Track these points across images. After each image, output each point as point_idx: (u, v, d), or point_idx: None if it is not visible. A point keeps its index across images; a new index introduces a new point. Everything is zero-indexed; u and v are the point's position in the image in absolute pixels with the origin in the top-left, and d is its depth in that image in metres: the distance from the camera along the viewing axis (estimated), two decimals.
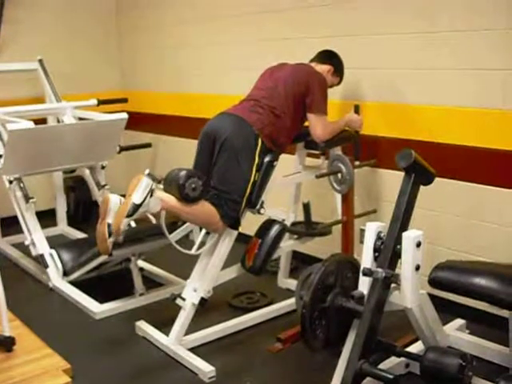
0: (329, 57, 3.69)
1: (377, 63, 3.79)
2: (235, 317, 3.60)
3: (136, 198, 2.98)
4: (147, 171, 3.18)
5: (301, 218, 3.77)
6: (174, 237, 3.52)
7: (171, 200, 3.08)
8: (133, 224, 4.16)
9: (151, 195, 3.01)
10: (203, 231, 3.46)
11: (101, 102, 5.05)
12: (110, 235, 3.10)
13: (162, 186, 3.16)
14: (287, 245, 3.75)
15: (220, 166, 3.23)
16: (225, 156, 3.22)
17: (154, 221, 3.11)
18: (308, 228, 3.60)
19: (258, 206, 3.32)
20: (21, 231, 4.42)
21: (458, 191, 3.48)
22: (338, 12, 3.96)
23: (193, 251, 3.35)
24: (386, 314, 2.74)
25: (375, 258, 2.76)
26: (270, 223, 3.39)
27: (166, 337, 3.34)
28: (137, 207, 2.98)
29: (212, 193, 3.23)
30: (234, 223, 3.27)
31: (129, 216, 2.98)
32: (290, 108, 3.40)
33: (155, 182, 3.15)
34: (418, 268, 2.62)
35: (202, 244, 3.41)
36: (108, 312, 3.80)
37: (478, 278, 2.59)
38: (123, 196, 3.21)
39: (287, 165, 3.69)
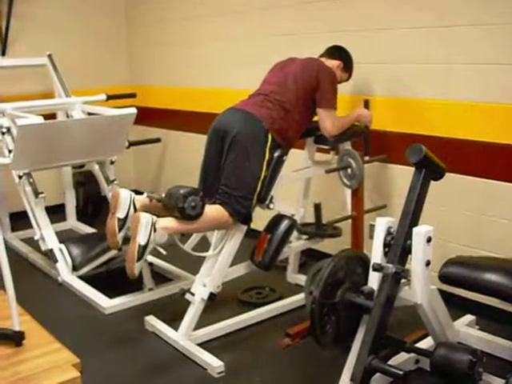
0: (338, 52, 3.68)
1: (387, 58, 3.78)
2: (244, 312, 3.60)
3: (141, 239, 2.96)
4: (145, 195, 3.20)
5: (310, 213, 3.76)
6: (189, 245, 3.52)
7: (175, 224, 3.07)
8: None
9: (155, 230, 3.00)
10: (215, 232, 3.44)
11: (110, 97, 5.05)
12: (119, 230, 3.11)
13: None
14: (297, 245, 3.76)
15: (230, 163, 3.22)
16: (235, 152, 3.21)
17: (164, 252, 3.12)
18: (318, 229, 3.60)
19: (267, 201, 3.32)
20: (30, 226, 4.43)
21: (468, 186, 3.46)
22: (346, 7, 3.94)
23: (210, 252, 3.36)
24: (395, 310, 2.73)
25: (385, 254, 2.75)
26: (279, 218, 3.38)
27: (175, 332, 3.34)
28: (144, 248, 2.97)
29: (221, 190, 3.22)
30: (245, 219, 3.27)
31: (139, 259, 2.97)
32: (299, 102, 3.39)
33: (154, 200, 3.16)
34: (428, 263, 2.61)
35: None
36: (117, 307, 3.80)
37: (489, 274, 2.58)
38: (133, 191, 3.22)
39: (297, 160, 3.68)
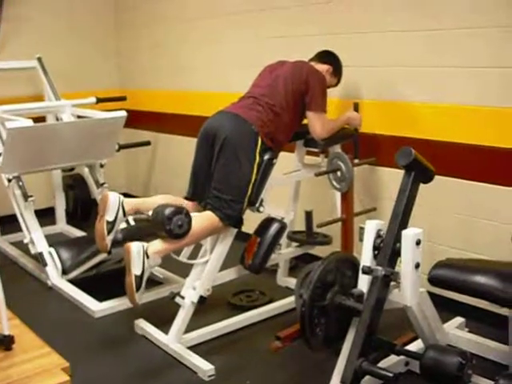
0: (328, 57, 3.69)
1: (376, 61, 3.79)
2: (234, 315, 3.60)
3: (135, 269, 2.96)
4: (131, 218, 3.19)
5: (300, 217, 3.78)
6: (184, 254, 3.51)
7: (165, 245, 3.06)
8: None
9: (147, 256, 3.00)
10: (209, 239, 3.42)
11: (100, 100, 5.04)
12: (108, 232, 3.10)
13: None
14: (287, 252, 3.79)
15: (221, 167, 3.22)
16: (225, 156, 3.21)
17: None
18: (309, 237, 3.61)
19: (257, 204, 3.32)
20: (20, 229, 4.41)
21: (457, 189, 3.47)
22: (337, 10, 3.95)
23: (207, 258, 3.35)
24: (385, 312, 2.73)
25: (375, 256, 2.75)
26: (269, 221, 3.38)
27: (165, 335, 3.33)
28: (141, 277, 2.98)
29: (212, 194, 3.22)
30: (237, 223, 3.27)
31: (138, 289, 2.98)
32: (289, 105, 3.39)
33: (143, 217, 3.16)
34: (417, 266, 2.62)
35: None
36: (107, 310, 3.79)
37: (478, 276, 2.58)
38: (123, 194, 3.21)
39: (287, 163, 3.68)
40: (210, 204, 3.22)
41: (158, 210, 3.05)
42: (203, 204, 3.35)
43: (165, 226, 2.99)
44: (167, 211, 3.00)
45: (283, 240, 3.75)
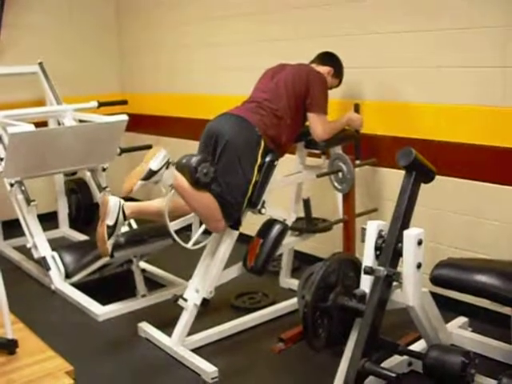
0: (329, 58, 3.69)
1: (377, 62, 3.79)
2: (237, 317, 3.60)
3: (153, 165, 3.05)
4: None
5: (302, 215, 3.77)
6: (174, 225, 3.45)
7: (183, 180, 3.10)
8: (134, 225, 4.18)
9: (167, 167, 3.06)
10: (202, 228, 3.41)
11: (101, 104, 5.04)
12: (109, 237, 3.10)
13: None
14: (288, 241, 3.75)
15: (222, 167, 3.22)
16: (227, 157, 3.21)
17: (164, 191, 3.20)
18: (308, 224, 3.60)
19: (259, 206, 3.32)
20: (23, 234, 4.42)
21: (458, 189, 3.48)
22: (337, 11, 3.96)
23: (189, 245, 3.31)
24: (387, 313, 2.73)
25: (377, 257, 2.76)
26: (271, 223, 3.38)
27: (168, 338, 3.33)
28: (153, 173, 3.06)
29: (213, 193, 3.23)
30: (235, 224, 3.27)
31: (144, 179, 3.07)
32: (291, 109, 3.40)
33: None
34: (419, 266, 2.62)
35: (199, 241, 3.39)
36: (110, 314, 3.80)
37: (480, 276, 2.59)
38: (123, 199, 3.21)
39: (288, 165, 3.69)
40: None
41: (188, 155, 3.11)
42: None
43: (192, 164, 3.05)
44: (199, 156, 3.09)
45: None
